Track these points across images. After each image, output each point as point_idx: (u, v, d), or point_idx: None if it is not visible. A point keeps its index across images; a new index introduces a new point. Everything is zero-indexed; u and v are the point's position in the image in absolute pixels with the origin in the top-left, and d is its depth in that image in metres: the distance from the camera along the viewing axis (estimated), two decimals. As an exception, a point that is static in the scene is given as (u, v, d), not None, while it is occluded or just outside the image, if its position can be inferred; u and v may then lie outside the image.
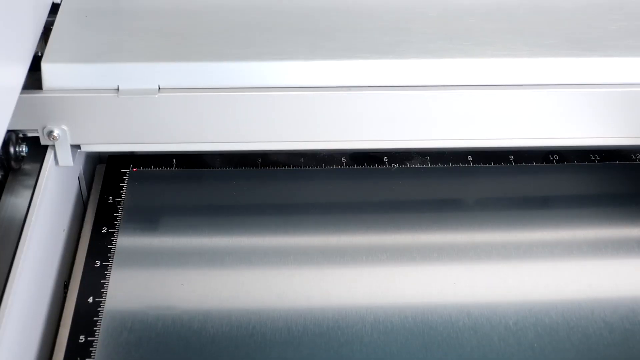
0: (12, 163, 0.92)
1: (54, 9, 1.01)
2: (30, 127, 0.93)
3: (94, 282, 0.94)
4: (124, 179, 1.05)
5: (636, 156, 1.09)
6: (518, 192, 1.05)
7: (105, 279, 0.94)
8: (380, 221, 1.01)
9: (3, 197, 0.89)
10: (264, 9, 1.01)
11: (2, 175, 0.91)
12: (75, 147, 0.96)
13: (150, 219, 1.01)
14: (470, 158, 1.08)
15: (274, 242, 0.99)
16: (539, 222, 1.01)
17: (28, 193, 0.90)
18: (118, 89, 0.92)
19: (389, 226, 1.00)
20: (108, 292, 0.92)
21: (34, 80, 0.92)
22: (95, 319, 0.91)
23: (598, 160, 1.08)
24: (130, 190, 1.04)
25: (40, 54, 0.93)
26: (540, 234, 1.00)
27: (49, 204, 0.93)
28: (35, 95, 0.92)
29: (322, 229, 1.00)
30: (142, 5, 1.01)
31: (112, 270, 0.95)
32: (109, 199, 1.03)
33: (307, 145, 0.98)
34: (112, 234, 0.99)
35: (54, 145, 0.94)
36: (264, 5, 1.01)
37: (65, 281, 0.98)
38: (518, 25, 0.99)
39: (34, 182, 0.91)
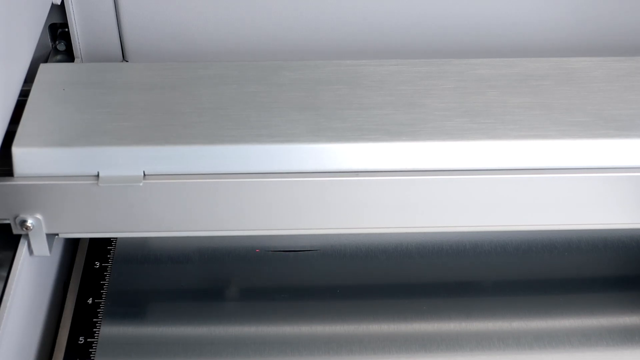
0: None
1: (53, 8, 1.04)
2: (1, 216, 0.88)
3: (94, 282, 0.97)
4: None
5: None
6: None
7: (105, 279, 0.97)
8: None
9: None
10: (262, 82, 0.95)
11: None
12: (52, 235, 0.91)
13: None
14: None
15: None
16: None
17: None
18: (98, 176, 0.87)
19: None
20: None
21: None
22: (94, 320, 0.93)
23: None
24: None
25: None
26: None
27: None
28: (5, 183, 0.87)
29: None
30: (126, 77, 0.96)
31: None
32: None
33: (308, 233, 0.93)
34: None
35: (27, 235, 0.89)
36: (261, 78, 0.96)
37: (65, 282, 1.00)
38: (544, 99, 0.94)
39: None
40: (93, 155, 0.87)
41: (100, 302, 0.95)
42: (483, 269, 1.01)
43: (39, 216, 0.88)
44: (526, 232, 1.03)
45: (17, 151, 0.86)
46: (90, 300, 0.95)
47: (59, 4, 1.05)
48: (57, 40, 1.11)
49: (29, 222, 0.88)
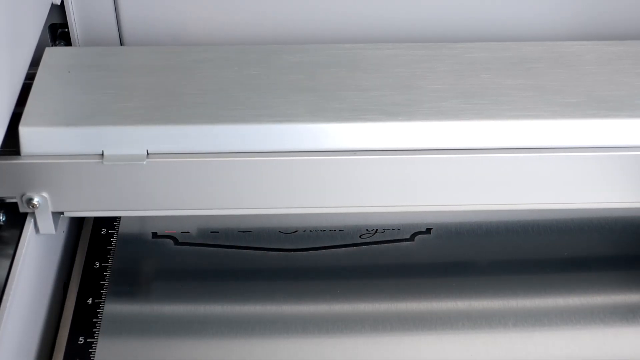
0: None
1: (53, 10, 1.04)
2: (8, 195, 0.91)
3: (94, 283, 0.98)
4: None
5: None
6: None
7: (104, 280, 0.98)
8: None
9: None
10: (262, 65, 0.99)
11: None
12: (58, 213, 0.94)
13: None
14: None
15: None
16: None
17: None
18: (103, 155, 0.90)
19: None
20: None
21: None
22: (94, 320, 0.94)
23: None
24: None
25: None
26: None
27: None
28: (12, 162, 0.90)
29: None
30: (129, 60, 0.99)
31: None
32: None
33: (309, 211, 0.95)
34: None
35: (34, 213, 0.92)
36: (262, 61, 0.99)
37: (65, 282, 1.01)
38: (537, 81, 0.97)
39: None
40: (98, 135, 0.90)
41: (100, 302, 0.96)
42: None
43: (45, 194, 0.90)
44: (521, 211, 1.05)
45: (23, 130, 0.89)
46: (90, 300, 0.97)
47: (59, 4, 1.07)
48: (57, 40, 1.12)
49: (35, 200, 0.90)
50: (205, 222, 1.05)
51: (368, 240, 1.04)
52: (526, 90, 0.95)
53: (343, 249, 1.03)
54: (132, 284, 1.00)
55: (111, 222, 1.05)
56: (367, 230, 1.05)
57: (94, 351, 0.92)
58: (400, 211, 0.98)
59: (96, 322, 0.95)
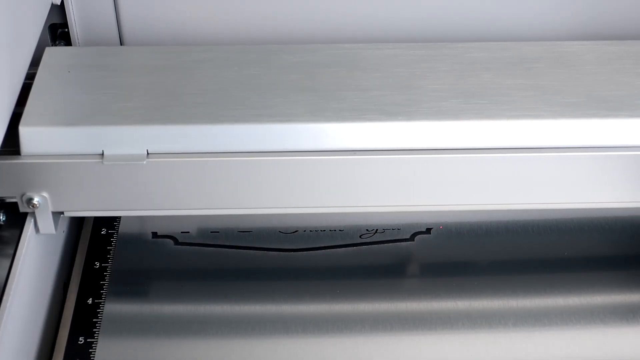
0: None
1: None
2: (8, 195, 0.91)
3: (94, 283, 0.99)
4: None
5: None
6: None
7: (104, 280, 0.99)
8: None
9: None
10: (262, 65, 0.99)
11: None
12: (58, 213, 0.94)
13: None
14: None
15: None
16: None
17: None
18: (103, 155, 0.90)
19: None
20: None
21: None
22: (94, 320, 0.95)
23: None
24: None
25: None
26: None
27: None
28: (12, 162, 0.90)
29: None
30: (129, 60, 1.00)
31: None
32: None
33: (308, 212, 0.96)
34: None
35: (34, 213, 0.92)
36: (262, 61, 0.99)
37: (65, 282, 1.01)
38: (537, 81, 0.97)
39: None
40: (98, 135, 0.90)
41: (100, 302, 0.97)
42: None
43: (45, 194, 0.91)
44: (521, 211, 1.06)
45: (23, 130, 0.89)
46: (90, 300, 0.97)
47: (59, 4, 1.07)
48: (57, 40, 1.12)
49: (35, 200, 0.91)
50: (205, 222, 1.06)
51: (368, 240, 1.04)
52: (526, 90, 0.96)
53: (343, 249, 1.03)
54: (132, 284, 1.00)
55: (111, 222, 1.05)
56: (367, 230, 1.05)
57: (94, 351, 0.92)
58: (400, 211, 0.98)
59: (96, 322, 0.95)
